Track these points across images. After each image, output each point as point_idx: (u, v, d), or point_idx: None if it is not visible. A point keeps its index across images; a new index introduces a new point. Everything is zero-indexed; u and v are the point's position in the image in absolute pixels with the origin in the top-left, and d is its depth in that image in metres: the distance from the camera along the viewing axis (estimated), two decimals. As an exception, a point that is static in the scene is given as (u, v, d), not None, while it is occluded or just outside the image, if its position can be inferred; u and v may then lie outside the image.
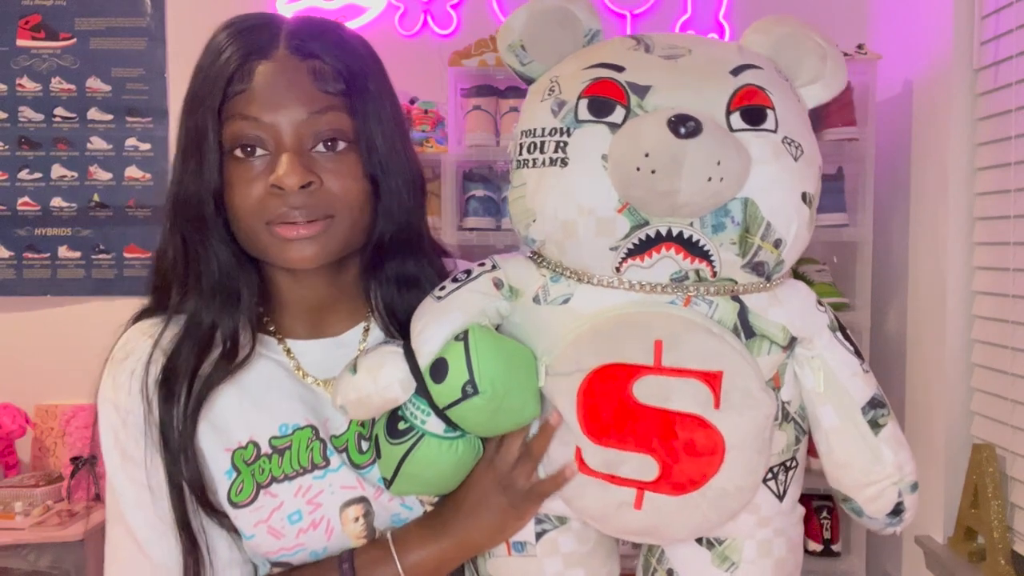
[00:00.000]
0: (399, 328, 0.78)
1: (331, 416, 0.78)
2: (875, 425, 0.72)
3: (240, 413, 0.75)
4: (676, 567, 0.76)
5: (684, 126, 0.61)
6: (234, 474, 0.75)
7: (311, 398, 0.78)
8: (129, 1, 2.44)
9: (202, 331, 0.74)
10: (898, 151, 2.11)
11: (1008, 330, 1.67)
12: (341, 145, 0.73)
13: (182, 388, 0.73)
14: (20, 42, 2.45)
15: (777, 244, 0.67)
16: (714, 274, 0.67)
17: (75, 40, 2.46)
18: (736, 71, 0.68)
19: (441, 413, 0.69)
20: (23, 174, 2.47)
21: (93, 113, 2.47)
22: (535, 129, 0.70)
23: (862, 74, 2.11)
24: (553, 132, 0.68)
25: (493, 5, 2.38)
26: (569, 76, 0.70)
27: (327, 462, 0.76)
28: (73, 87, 2.47)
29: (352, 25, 2.32)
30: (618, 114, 0.66)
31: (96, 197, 2.48)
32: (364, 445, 0.77)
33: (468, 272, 0.74)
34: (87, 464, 2.24)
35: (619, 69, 0.68)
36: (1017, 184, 1.65)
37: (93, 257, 2.49)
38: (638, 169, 0.62)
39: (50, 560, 2.06)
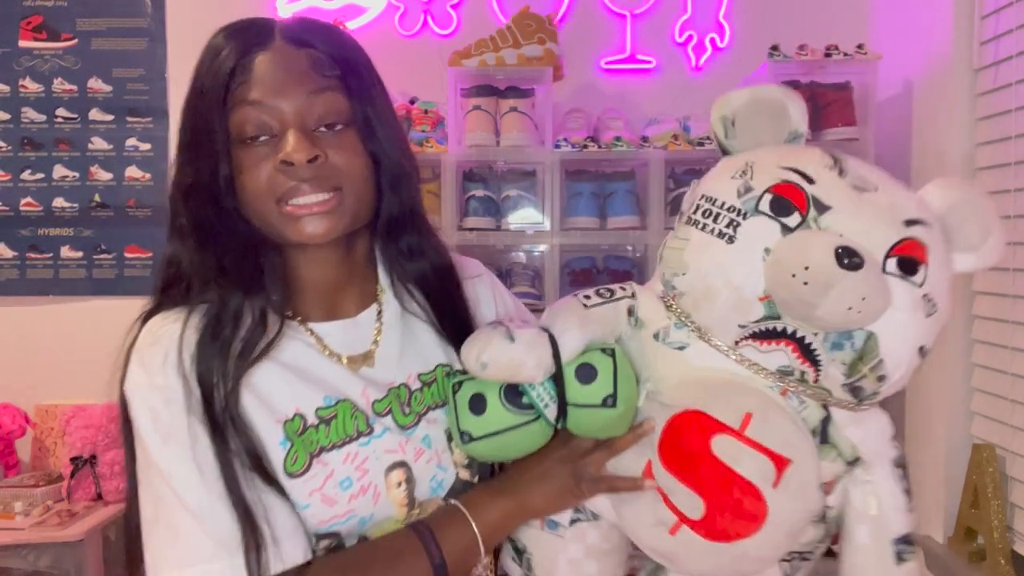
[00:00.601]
0: (414, 298, 0.86)
1: (367, 387, 0.82)
2: (900, 558, 0.78)
3: (283, 387, 0.78)
4: None
5: (849, 259, 0.68)
6: (288, 444, 0.77)
7: (341, 374, 0.82)
8: (129, 1, 2.45)
9: (231, 311, 0.77)
10: (898, 151, 2.11)
11: (1008, 330, 1.67)
12: (339, 126, 0.77)
13: (219, 362, 0.75)
14: (22, 43, 2.46)
15: (881, 379, 0.74)
16: (816, 381, 0.74)
17: (76, 41, 2.46)
18: (909, 223, 0.74)
19: (563, 406, 0.77)
20: (26, 174, 2.48)
21: (94, 113, 2.47)
22: (716, 199, 0.77)
23: (862, 74, 2.11)
24: (732, 209, 0.75)
25: (493, 5, 2.39)
26: (764, 167, 0.76)
27: (371, 429, 0.80)
28: (75, 88, 2.47)
29: (352, 25, 2.33)
30: (794, 219, 0.73)
31: (97, 197, 2.49)
32: (406, 409, 0.83)
33: (611, 292, 0.83)
34: (87, 464, 2.24)
35: (810, 181, 0.74)
36: (1017, 184, 1.65)
37: (94, 257, 2.50)
38: (794, 275, 0.69)
39: (50, 560, 2.06)
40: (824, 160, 0.77)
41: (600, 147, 2.17)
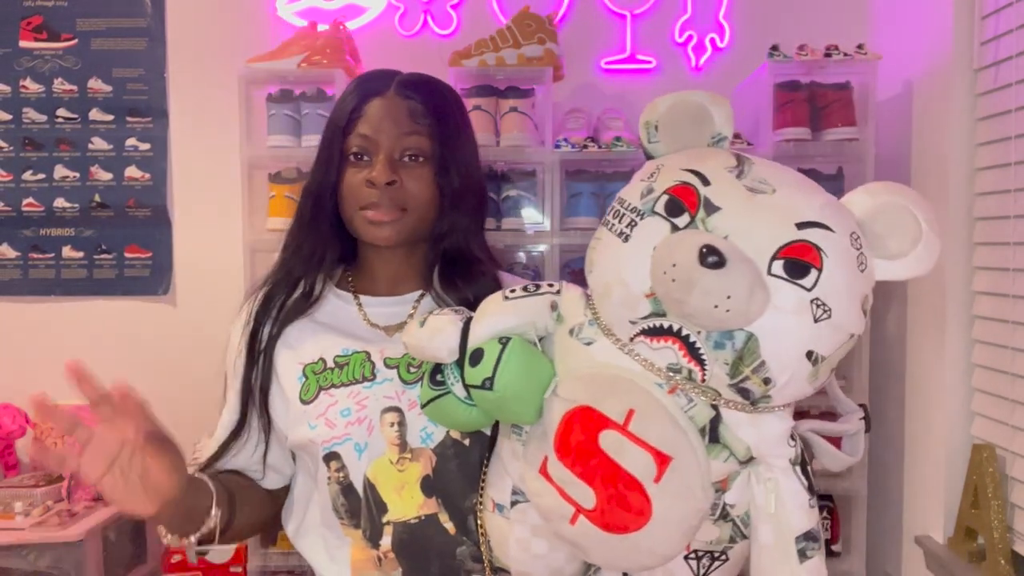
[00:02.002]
0: (449, 302, 1.05)
1: (386, 346, 1.03)
2: (803, 555, 0.78)
3: (314, 338, 1.04)
4: None
5: (709, 258, 0.69)
6: (303, 379, 1.01)
7: (370, 334, 1.05)
8: (129, 1, 2.45)
9: (292, 279, 1.05)
10: (898, 151, 2.11)
11: (1008, 330, 1.67)
12: (420, 159, 1.01)
13: (271, 313, 1.04)
14: (23, 43, 2.46)
15: (766, 382, 0.74)
16: (704, 380, 0.75)
17: (76, 41, 2.47)
18: (803, 225, 0.73)
19: (466, 386, 0.86)
20: (27, 175, 2.48)
21: (94, 113, 2.47)
22: (625, 200, 0.81)
23: (862, 74, 2.11)
24: (633, 210, 0.79)
25: (493, 5, 2.39)
26: (668, 169, 0.80)
27: (375, 377, 1.01)
28: (75, 88, 2.47)
29: (352, 25, 2.33)
30: (683, 220, 0.75)
31: (97, 197, 2.49)
32: (412, 369, 1.01)
33: (538, 287, 0.90)
34: (87, 464, 2.24)
35: (706, 183, 0.76)
36: (1017, 184, 1.65)
37: (95, 257, 2.50)
38: (664, 272, 0.72)
39: (50, 560, 2.06)
40: (727, 162, 0.78)
41: (600, 147, 2.17)
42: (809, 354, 0.74)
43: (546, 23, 2.23)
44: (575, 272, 2.24)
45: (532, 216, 2.22)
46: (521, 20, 2.22)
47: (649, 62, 2.41)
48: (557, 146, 2.17)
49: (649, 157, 0.86)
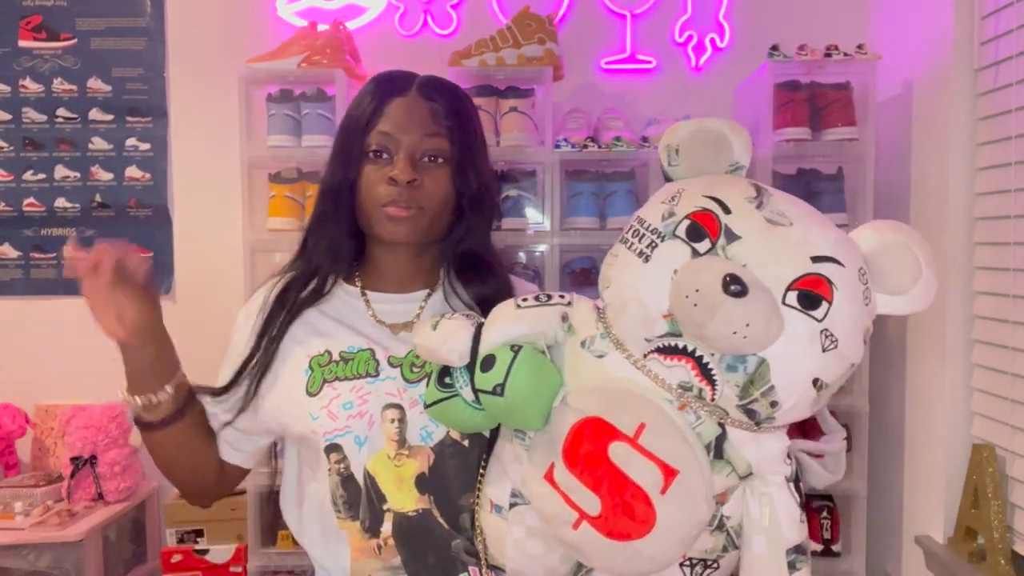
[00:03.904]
0: (460, 301, 1.08)
1: (391, 345, 1.05)
2: (793, 567, 0.82)
3: (322, 332, 1.06)
4: None
5: (733, 286, 0.72)
6: (309, 372, 1.04)
7: (376, 332, 1.07)
8: (129, 1, 2.45)
9: (308, 271, 1.08)
10: (898, 151, 2.11)
11: (1008, 330, 1.67)
12: (440, 160, 1.03)
13: (281, 307, 1.07)
14: (22, 43, 2.46)
15: (773, 405, 0.78)
16: (713, 399, 0.79)
17: (76, 40, 2.47)
18: (817, 259, 0.77)
19: (475, 390, 0.87)
20: (28, 175, 2.48)
21: (94, 113, 2.48)
22: (645, 221, 0.84)
23: (862, 74, 2.11)
24: (654, 232, 0.82)
25: (493, 5, 2.39)
26: (690, 195, 0.82)
27: (378, 374, 1.03)
28: (74, 87, 2.47)
29: (352, 25, 2.33)
30: (704, 245, 0.78)
31: (98, 197, 2.49)
32: (415, 368, 1.04)
33: (549, 296, 0.92)
34: (87, 464, 2.25)
35: (727, 211, 0.79)
36: (1017, 184, 1.65)
37: (94, 257, 2.50)
38: (687, 296, 0.74)
39: (50, 560, 2.06)
40: (747, 192, 0.81)
41: (600, 147, 2.17)
42: (815, 381, 0.78)
43: (546, 23, 2.23)
44: (575, 272, 2.24)
45: (532, 216, 2.22)
46: (521, 20, 2.22)
47: (649, 62, 2.41)
48: (557, 146, 2.17)
49: (668, 179, 0.89)
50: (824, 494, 2.17)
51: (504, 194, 2.21)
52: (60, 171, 2.49)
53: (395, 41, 2.41)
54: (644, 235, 0.82)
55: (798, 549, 0.83)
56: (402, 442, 1.01)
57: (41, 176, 2.49)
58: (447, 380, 0.91)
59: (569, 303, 0.90)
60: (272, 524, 2.23)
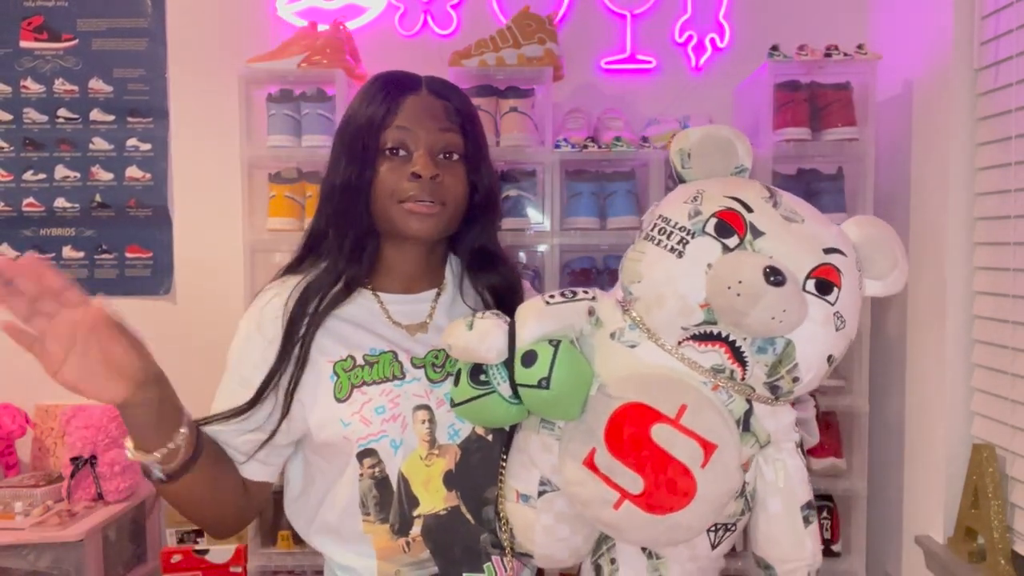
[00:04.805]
0: (474, 300, 1.11)
1: (411, 346, 1.06)
2: (807, 521, 0.93)
3: (344, 337, 1.05)
4: (619, 559, 0.97)
5: (775, 277, 0.81)
6: (335, 378, 1.03)
7: (394, 333, 1.07)
8: (129, 2, 2.45)
9: (333, 275, 1.05)
10: (898, 151, 2.11)
11: (1008, 330, 1.67)
12: (455, 157, 1.05)
13: (311, 304, 1.04)
14: (23, 43, 2.47)
15: (795, 380, 0.88)
16: (743, 379, 0.87)
17: (77, 41, 2.47)
18: (828, 251, 0.88)
19: (514, 386, 0.91)
20: (28, 175, 2.48)
21: (95, 114, 2.48)
22: (671, 220, 0.90)
23: (862, 74, 2.11)
24: (683, 229, 0.89)
25: (493, 5, 2.39)
26: (712, 195, 0.90)
27: (404, 376, 1.04)
28: (75, 88, 2.48)
29: (352, 25, 2.33)
30: (733, 241, 0.86)
31: (98, 197, 2.49)
32: (437, 369, 1.05)
33: (575, 293, 0.96)
34: (87, 464, 2.25)
35: (750, 210, 0.88)
36: (1017, 184, 1.65)
37: (95, 257, 2.50)
38: (729, 287, 0.82)
39: (50, 560, 2.06)
40: (762, 193, 0.90)
41: (600, 147, 2.17)
42: (829, 358, 0.88)
43: (546, 23, 2.23)
44: (575, 272, 2.24)
45: (532, 216, 2.22)
46: (521, 20, 2.23)
47: (649, 62, 2.41)
48: (557, 146, 2.17)
49: (680, 180, 0.97)
50: (824, 494, 2.17)
51: (504, 194, 2.21)
52: (60, 171, 2.49)
53: (395, 41, 2.41)
54: (673, 232, 0.89)
55: (809, 505, 0.93)
56: (433, 442, 1.02)
57: (41, 176, 2.49)
58: (482, 378, 0.93)
59: (594, 298, 0.96)
60: (272, 524, 2.23)
